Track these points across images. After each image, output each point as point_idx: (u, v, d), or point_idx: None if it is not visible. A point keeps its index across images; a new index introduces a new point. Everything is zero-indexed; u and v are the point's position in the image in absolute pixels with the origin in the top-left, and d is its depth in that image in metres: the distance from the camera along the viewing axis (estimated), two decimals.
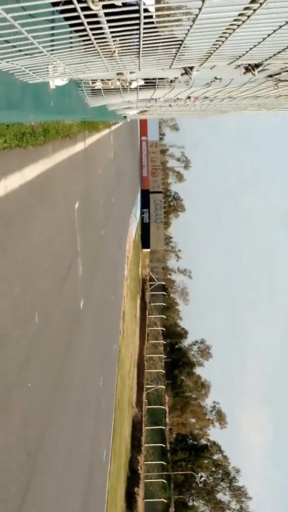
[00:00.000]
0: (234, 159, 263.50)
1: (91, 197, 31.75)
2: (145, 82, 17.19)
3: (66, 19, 4.78)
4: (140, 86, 17.10)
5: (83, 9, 4.36)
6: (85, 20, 4.59)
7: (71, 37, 6.81)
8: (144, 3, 4.91)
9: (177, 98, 22.75)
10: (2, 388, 11.52)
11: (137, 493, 65.59)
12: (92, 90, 20.04)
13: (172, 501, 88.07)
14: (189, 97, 22.03)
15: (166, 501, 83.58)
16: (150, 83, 17.69)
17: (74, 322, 23.88)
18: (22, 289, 13.64)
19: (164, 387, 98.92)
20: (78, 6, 4.10)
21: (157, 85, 16.98)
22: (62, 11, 5.06)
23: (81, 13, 4.38)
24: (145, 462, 76.56)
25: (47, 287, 17.65)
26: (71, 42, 6.97)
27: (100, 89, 19.59)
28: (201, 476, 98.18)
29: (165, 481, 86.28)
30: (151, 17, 5.76)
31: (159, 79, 16.16)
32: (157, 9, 7.53)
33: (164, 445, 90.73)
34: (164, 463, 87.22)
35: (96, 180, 35.07)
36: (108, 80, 17.34)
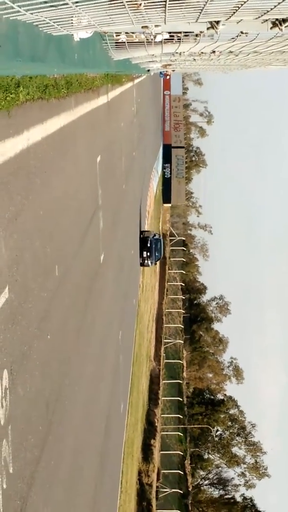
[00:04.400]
0: (258, 114, 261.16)
1: (113, 151, 31.65)
2: (170, 36, 16.99)
3: None
4: (164, 39, 16.90)
5: None
6: None
7: None
8: None
9: (202, 52, 22.52)
10: (23, 340, 11.62)
11: (154, 445, 66.34)
12: (116, 43, 19.85)
13: (187, 454, 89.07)
14: (213, 52, 21.79)
15: (182, 453, 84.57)
16: (175, 37, 17.49)
17: (94, 276, 23.97)
18: (43, 242, 13.68)
19: (182, 341, 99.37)
20: None
21: (182, 39, 16.77)
22: None
23: None
24: (162, 415, 77.30)
25: (67, 241, 17.70)
26: None
27: (124, 42, 19.40)
28: (217, 430, 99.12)
29: (181, 434, 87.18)
30: None
31: (184, 33, 15.96)
32: None
33: (181, 399, 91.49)
34: (181, 417, 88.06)
35: (118, 134, 34.92)
36: (132, 33, 17.17)
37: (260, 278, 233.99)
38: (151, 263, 58.11)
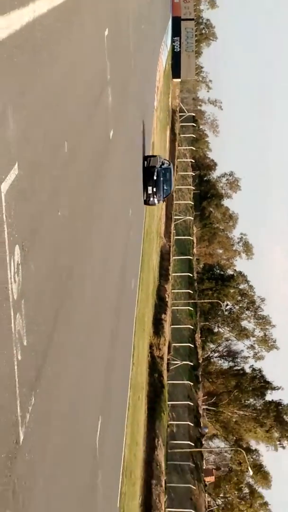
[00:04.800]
0: None
1: (121, 24, 30.84)
2: None
3: None
4: None
5: None
6: None
7: None
8: None
9: None
10: (33, 216, 11.63)
11: (164, 319, 67.46)
12: None
13: (198, 328, 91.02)
14: None
15: (192, 327, 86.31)
16: None
17: (104, 152, 23.80)
18: (52, 118, 13.52)
19: (192, 218, 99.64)
20: None
21: None
22: None
23: None
24: (172, 291, 78.31)
25: (76, 116, 17.48)
26: None
27: None
28: (227, 305, 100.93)
29: (192, 309, 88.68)
30: None
31: None
32: None
33: (191, 275, 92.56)
34: (191, 292, 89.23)
35: (126, 7, 33.94)
36: None
37: (270, 153, 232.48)
38: (158, 200, 45.71)
